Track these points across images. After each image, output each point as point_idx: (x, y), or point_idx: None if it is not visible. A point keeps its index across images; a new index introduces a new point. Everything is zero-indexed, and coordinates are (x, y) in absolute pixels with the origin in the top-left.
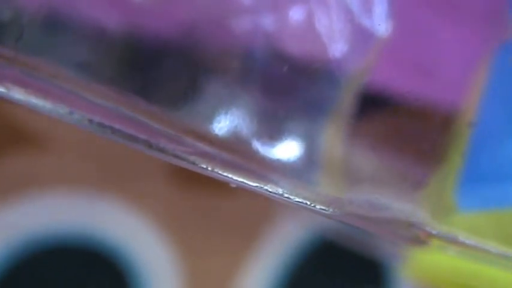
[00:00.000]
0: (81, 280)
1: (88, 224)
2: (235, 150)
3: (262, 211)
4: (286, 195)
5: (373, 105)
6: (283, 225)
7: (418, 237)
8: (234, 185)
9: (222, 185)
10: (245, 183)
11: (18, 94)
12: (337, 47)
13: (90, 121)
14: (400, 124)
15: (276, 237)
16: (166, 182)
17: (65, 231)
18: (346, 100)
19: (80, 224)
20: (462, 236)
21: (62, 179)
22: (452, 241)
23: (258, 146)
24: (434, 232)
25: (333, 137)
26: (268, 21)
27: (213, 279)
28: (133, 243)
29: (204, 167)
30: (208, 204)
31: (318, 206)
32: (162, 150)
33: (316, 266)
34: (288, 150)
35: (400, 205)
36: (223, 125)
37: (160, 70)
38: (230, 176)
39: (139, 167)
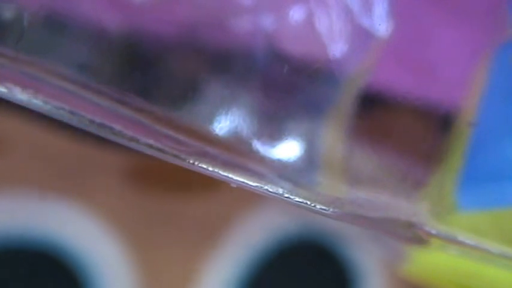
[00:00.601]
0: (33, 280)
1: (41, 225)
2: (236, 150)
3: (220, 213)
4: (286, 195)
5: (373, 105)
6: (241, 229)
7: (418, 237)
8: (234, 185)
9: (179, 186)
10: (245, 183)
11: (18, 94)
12: (337, 47)
13: (91, 121)
14: (400, 124)
15: (234, 241)
16: (121, 182)
17: (17, 232)
18: (346, 100)
19: (33, 224)
20: (462, 236)
21: (14, 179)
22: (452, 241)
23: (258, 146)
24: (434, 232)
25: (333, 137)
26: (268, 22)
27: (168, 280)
28: (86, 243)
29: (204, 167)
30: (163, 203)
31: (318, 206)
32: (162, 151)
33: (276, 270)
34: (288, 150)
35: (400, 205)
36: (223, 125)
37: (160, 70)
38: (230, 176)
39: (94, 167)
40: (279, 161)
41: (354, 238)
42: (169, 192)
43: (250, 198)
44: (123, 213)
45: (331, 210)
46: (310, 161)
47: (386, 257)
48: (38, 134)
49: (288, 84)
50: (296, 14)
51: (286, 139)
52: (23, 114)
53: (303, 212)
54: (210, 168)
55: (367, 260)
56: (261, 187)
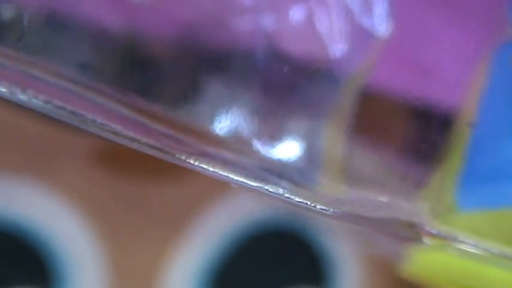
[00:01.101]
0: (1, 267)
1: (8, 206)
2: (236, 150)
3: (191, 201)
4: (286, 195)
5: (373, 105)
6: (212, 217)
7: (418, 237)
8: (234, 185)
9: (149, 170)
10: (245, 183)
11: (19, 94)
12: (337, 47)
13: (92, 121)
14: (401, 123)
15: (205, 226)
16: (91, 164)
17: None
18: (346, 100)
19: (0, 210)
20: (462, 236)
21: None
22: (452, 241)
23: (259, 145)
24: (434, 232)
25: (333, 137)
26: (268, 21)
27: (137, 267)
28: (55, 229)
29: (205, 167)
30: (133, 189)
31: (318, 206)
32: (162, 150)
33: (247, 258)
34: (288, 150)
35: (400, 205)
36: (223, 124)
37: (161, 70)
38: (230, 176)
39: (63, 149)
40: (279, 160)
41: (328, 225)
42: (139, 175)
43: (223, 184)
44: (92, 195)
45: (331, 210)
46: (310, 161)
47: (382, 255)
48: (8, 115)
49: (288, 84)
50: (296, 14)
51: (287, 139)
52: None
53: (272, 200)
54: (211, 168)
55: (341, 248)
56: (261, 187)
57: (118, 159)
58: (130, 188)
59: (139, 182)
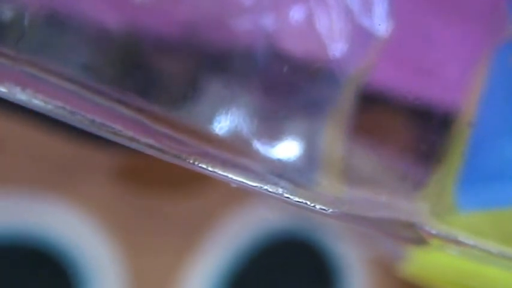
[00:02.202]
0: (25, 279)
1: (32, 224)
2: (236, 150)
3: (206, 212)
4: (286, 195)
5: (373, 104)
6: (226, 227)
7: (418, 237)
8: (234, 185)
9: (167, 184)
10: (245, 183)
11: (19, 94)
12: (337, 47)
13: (92, 121)
14: (400, 123)
15: (221, 236)
16: (110, 181)
17: (8, 229)
18: (346, 100)
19: (23, 221)
20: (462, 236)
21: (5, 177)
22: (452, 241)
23: (258, 145)
24: (434, 232)
25: (333, 137)
26: (268, 21)
27: (156, 277)
28: (76, 242)
29: (204, 167)
30: (152, 203)
31: (318, 206)
32: (162, 151)
33: (260, 266)
34: (288, 150)
35: (399, 205)
36: (223, 124)
37: (161, 70)
38: (230, 176)
39: (83, 166)
40: (279, 160)
41: (338, 233)
42: (157, 189)
43: (237, 194)
44: (112, 208)
45: (331, 210)
46: (310, 160)
47: (383, 257)
48: (30, 132)
49: (288, 84)
50: (296, 14)
51: (286, 139)
52: (16, 114)
53: (288, 208)
54: (210, 168)
55: (352, 255)
56: (261, 187)
57: (137, 174)
58: (148, 200)
59: (157, 194)
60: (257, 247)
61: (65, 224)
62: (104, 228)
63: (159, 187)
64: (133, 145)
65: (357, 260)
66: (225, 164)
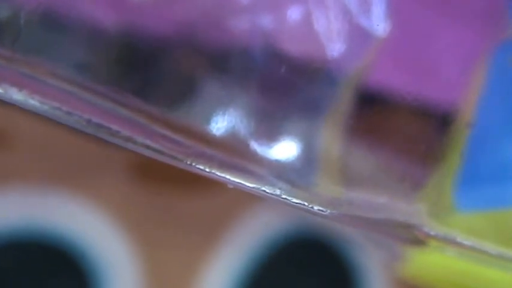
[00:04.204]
0: (40, 275)
1: (47, 220)
2: (233, 151)
3: (223, 208)
4: (284, 196)
5: (371, 105)
6: (245, 223)
7: (417, 238)
8: (231, 186)
9: (185, 183)
10: (242, 184)
11: (15, 95)
12: (335, 47)
13: (88, 122)
14: (399, 124)
15: (237, 235)
16: (126, 177)
17: (24, 227)
18: (344, 100)
19: (40, 219)
20: (460, 237)
21: (22, 174)
22: (451, 242)
23: (256, 146)
24: (432, 233)
25: (331, 137)
26: (266, 21)
27: (172, 274)
28: (93, 239)
29: (201, 167)
30: (168, 200)
31: (316, 207)
32: (159, 151)
33: (277, 266)
34: (286, 150)
35: (398, 206)
36: (221, 125)
37: (158, 70)
38: (227, 177)
39: (98, 163)
40: (277, 161)
41: (353, 238)
42: (175, 186)
43: (253, 196)
44: (128, 207)
45: (328, 211)
46: (308, 161)
47: (384, 258)
48: (46, 130)
49: (285, 84)
50: (294, 14)
51: (284, 139)
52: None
53: (303, 212)
54: (207, 169)
55: (368, 260)
56: (259, 188)
57: (154, 171)
58: (166, 197)
59: (174, 192)
60: (275, 247)
61: (82, 222)
62: (120, 226)
63: (177, 184)
64: (130, 146)
65: (375, 264)
66: (223, 165)
